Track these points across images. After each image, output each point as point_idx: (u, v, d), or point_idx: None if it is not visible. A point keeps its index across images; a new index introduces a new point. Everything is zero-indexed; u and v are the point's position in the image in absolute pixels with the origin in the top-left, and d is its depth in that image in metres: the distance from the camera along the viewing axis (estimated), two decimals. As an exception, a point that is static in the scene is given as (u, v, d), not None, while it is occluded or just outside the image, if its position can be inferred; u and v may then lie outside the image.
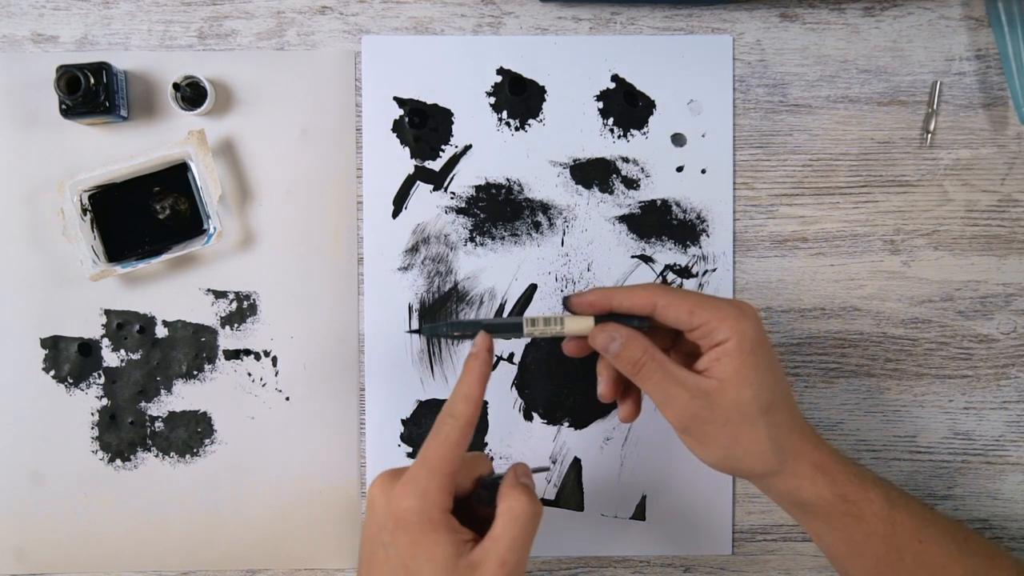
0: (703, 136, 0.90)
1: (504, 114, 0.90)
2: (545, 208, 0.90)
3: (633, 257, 0.90)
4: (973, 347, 0.91)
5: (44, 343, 0.89)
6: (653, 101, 0.90)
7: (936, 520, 0.76)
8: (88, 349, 0.89)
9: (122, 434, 0.90)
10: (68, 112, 0.85)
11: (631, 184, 0.90)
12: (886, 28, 0.91)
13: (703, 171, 0.90)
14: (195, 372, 0.90)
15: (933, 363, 0.91)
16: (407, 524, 0.66)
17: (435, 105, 0.89)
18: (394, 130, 0.89)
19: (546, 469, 0.82)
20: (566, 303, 0.74)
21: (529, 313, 0.90)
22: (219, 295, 0.90)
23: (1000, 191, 0.91)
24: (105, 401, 0.89)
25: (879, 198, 0.91)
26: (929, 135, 0.90)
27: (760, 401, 0.70)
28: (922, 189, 0.91)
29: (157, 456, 0.90)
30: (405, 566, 0.66)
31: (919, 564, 0.74)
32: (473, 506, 0.71)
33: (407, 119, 0.90)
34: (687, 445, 0.74)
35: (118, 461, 0.90)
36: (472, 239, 0.90)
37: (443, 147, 0.90)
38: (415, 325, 0.89)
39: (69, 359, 0.89)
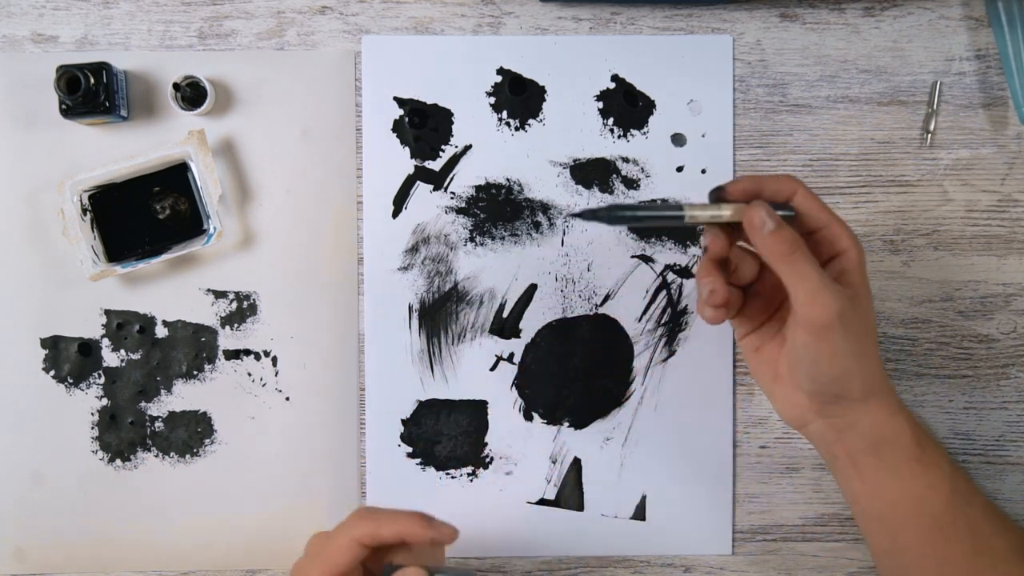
0: (703, 136, 0.90)
1: (504, 114, 0.90)
2: (545, 208, 0.90)
3: (633, 257, 0.90)
4: (973, 347, 0.91)
5: (44, 343, 0.89)
6: (653, 101, 0.90)
7: (978, 488, 0.76)
8: (88, 349, 0.89)
9: (122, 434, 0.90)
10: (68, 112, 0.85)
11: (631, 184, 0.90)
12: (886, 28, 0.91)
13: (703, 171, 0.90)
14: (195, 372, 0.90)
15: (933, 363, 0.91)
16: None
17: (435, 105, 0.90)
18: (394, 130, 0.89)
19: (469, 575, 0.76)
20: (719, 192, 0.72)
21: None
22: (219, 295, 0.90)
23: (1000, 191, 0.91)
24: (105, 401, 0.89)
25: (879, 198, 0.91)
26: (929, 135, 0.90)
27: (875, 316, 0.70)
28: (922, 189, 0.91)
29: (157, 456, 0.90)
30: None
31: (970, 530, 0.74)
32: None
33: (407, 119, 0.90)
34: (811, 357, 0.70)
35: (118, 461, 0.90)
36: (472, 239, 0.90)
37: (443, 147, 0.90)
38: (415, 325, 0.90)
39: (69, 359, 0.89)
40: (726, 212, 0.70)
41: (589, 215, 0.70)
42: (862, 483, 0.75)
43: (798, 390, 0.73)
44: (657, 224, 0.76)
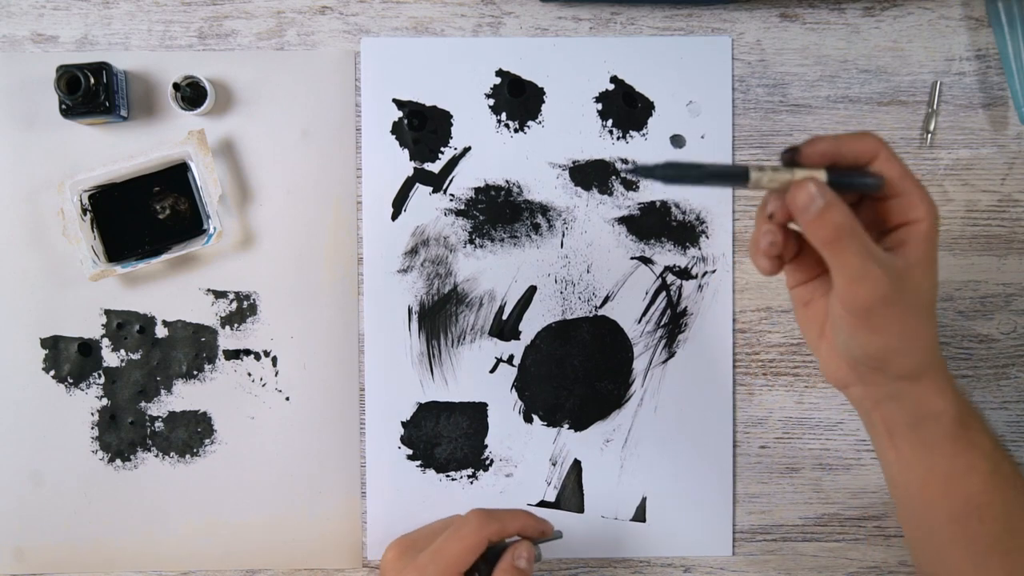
0: (702, 137, 0.90)
1: (503, 116, 0.89)
2: (544, 210, 0.90)
3: (632, 259, 0.90)
4: (973, 347, 0.91)
5: (44, 343, 0.89)
6: (652, 102, 0.90)
7: (1019, 472, 0.72)
8: (88, 349, 0.89)
9: (122, 434, 0.90)
10: (68, 112, 0.85)
11: (630, 185, 0.90)
12: (886, 28, 0.91)
13: (703, 171, 0.90)
14: (195, 372, 0.90)
15: (933, 363, 0.91)
16: None
17: (434, 107, 0.89)
18: (393, 132, 0.89)
19: (559, 537, 0.84)
20: (794, 154, 0.65)
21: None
22: (219, 295, 0.90)
23: (1000, 191, 0.91)
24: (105, 401, 0.90)
25: (879, 198, 0.91)
26: (929, 135, 0.90)
27: (935, 293, 0.66)
28: (922, 189, 0.91)
29: (157, 456, 0.90)
30: None
31: (1004, 512, 0.71)
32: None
33: (406, 121, 0.90)
34: (848, 332, 0.67)
35: (118, 461, 0.90)
36: (471, 241, 0.90)
37: (442, 149, 0.90)
38: (415, 328, 0.90)
39: (69, 359, 0.89)
40: (796, 180, 0.63)
41: (645, 172, 0.61)
42: (896, 454, 0.72)
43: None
44: (716, 185, 0.74)
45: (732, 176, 0.63)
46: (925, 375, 0.69)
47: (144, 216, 0.88)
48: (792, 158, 0.65)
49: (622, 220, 0.90)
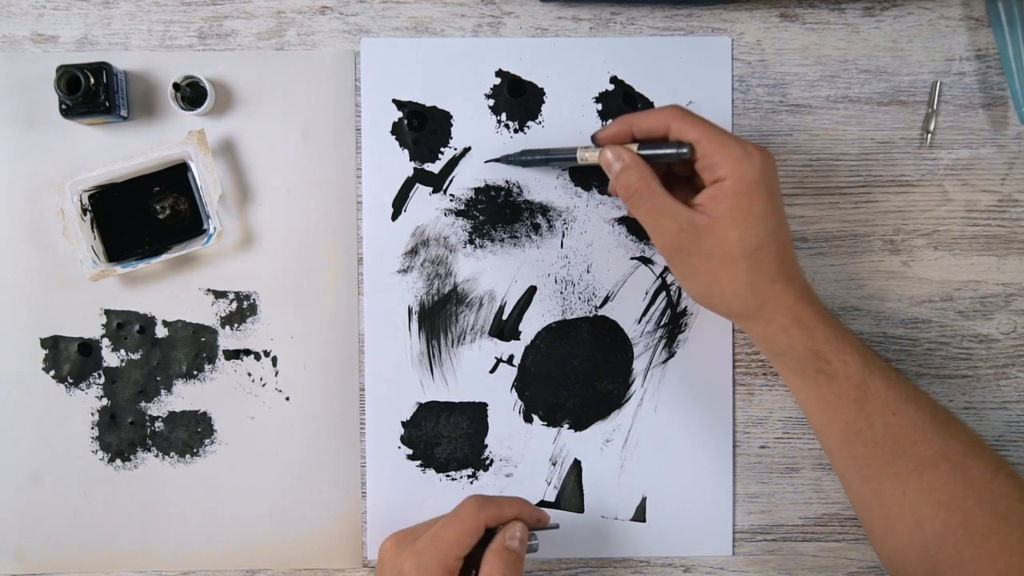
0: (703, 137, 0.90)
1: (503, 116, 0.89)
2: (544, 210, 0.90)
3: (632, 259, 0.90)
4: (973, 347, 0.91)
5: (44, 343, 0.89)
6: (652, 103, 0.90)
7: (917, 397, 0.76)
8: (88, 349, 0.89)
9: (122, 434, 0.90)
10: (68, 112, 0.85)
11: (630, 186, 0.90)
12: (886, 28, 0.91)
13: (703, 172, 0.90)
14: (195, 372, 0.90)
15: (933, 363, 0.91)
16: None
17: (434, 107, 0.89)
18: (393, 132, 0.89)
19: (555, 527, 0.84)
20: (593, 140, 0.81)
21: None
22: (219, 295, 0.90)
23: (1000, 191, 0.91)
24: (105, 401, 0.90)
25: (879, 198, 0.91)
26: (929, 135, 0.90)
27: (745, 244, 0.73)
28: (922, 189, 0.91)
29: (157, 456, 0.90)
30: None
31: (889, 436, 0.74)
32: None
33: (406, 121, 0.89)
34: (674, 274, 0.79)
35: (118, 461, 0.90)
36: (471, 241, 0.90)
37: (442, 149, 0.89)
38: (415, 328, 0.90)
39: (69, 359, 0.89)
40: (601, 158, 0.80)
41: (505, 160, 0.88)
42: (784, 379, 0.80)
43: None
44: (558, 165, 0.88)
45: (568, 157, 0.83)
46: (758, 316, 0.76)
47: (144, 216, 0.88)
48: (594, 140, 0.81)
49: (622, 220, 0.90)
